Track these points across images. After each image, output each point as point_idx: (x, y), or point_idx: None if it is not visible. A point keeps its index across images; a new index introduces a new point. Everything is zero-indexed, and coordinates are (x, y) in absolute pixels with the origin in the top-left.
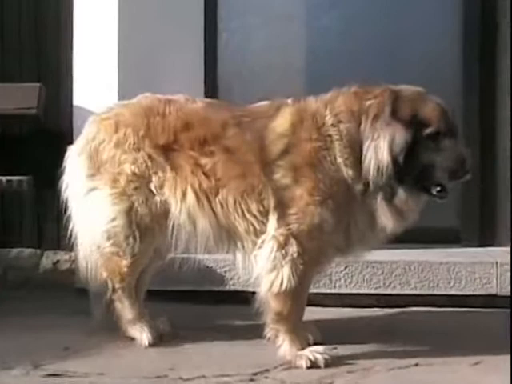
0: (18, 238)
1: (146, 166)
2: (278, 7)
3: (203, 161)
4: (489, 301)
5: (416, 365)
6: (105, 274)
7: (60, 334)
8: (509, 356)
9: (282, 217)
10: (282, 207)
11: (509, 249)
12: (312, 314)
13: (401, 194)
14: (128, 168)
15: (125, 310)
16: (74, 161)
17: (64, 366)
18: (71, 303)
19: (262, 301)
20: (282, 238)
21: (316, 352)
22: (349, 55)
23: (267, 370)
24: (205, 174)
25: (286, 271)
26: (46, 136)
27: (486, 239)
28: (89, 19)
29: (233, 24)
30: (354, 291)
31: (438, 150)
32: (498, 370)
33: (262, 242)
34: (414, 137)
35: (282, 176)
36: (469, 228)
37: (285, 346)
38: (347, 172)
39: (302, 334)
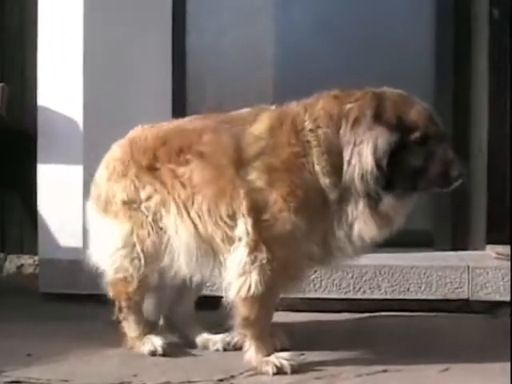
0: None
1: (135, 188)
2: (247, 4)
3: (181, 170)
4: (460, 305)
5: (384, 371)
6: (111, 294)
7: (23, 340)
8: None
9: (253, 222)
10: (254, 212)
11: (481, 252)
12: (280, 318)
13: (387, 200)
14: (120, 196)
15: (130, 327)
16: (89, 203)
17: (27, 372)
18: (35, 308)
19: (231, 305)
20: (252, 244)
21: (282, 358)
22: (320, 50)
23: (233, 377)
24: (182, 183)
25: (254, 277)
26: (10, 136)
27: (458, 243)
28: (53, 18)
29: (202, 22)
30: (324, 296)
31: (426, 155)
32: (466, 377)
33: (234, 248)
34: (400, 141)
35: (256, 178)
36: (441, 231)
37: (251, 352)
38: (324, 181)
39: (269, 340)
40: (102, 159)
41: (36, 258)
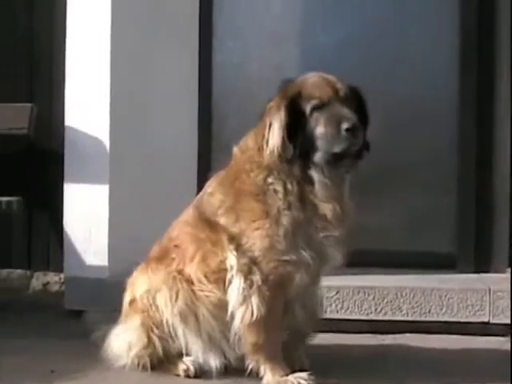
0: (8, 258)
1: None
2: (273, 26)
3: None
4: (481, 328)
5: None
6: None
7: (47, 357)
8: None
9: (237, 248)
10: (235, 240)
11: (504, 275)
12: None
13: (315, 177)
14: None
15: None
16: None
17: None
18: (60, 325)
19: (238, 334)
20: (245, 269)
21: (301, 378)
22: (345, 72)
23: None
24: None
25: (254, 301)
26: (37, 156)
27: (481, 265)
28: (82, 39)
29: (228, 43)
30: (345, 317)
31: (324, 119)
32: None
33: (230, 280)
34: (301, 114)
35: (225, 219)
36: (464, 254)
37: (267, 376)
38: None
39: (283, 361)
40: (128, 179)
41: (62, 275)
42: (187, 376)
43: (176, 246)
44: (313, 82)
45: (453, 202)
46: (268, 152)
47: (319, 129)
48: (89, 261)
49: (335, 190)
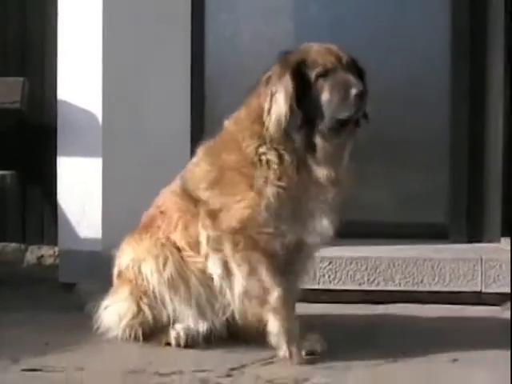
0: (2, 232)
1: None
2: (266, 1)
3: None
4: (473, 297)
5: (394, 361)
6: None
7: (42, 329)
8: (487, 352)
9: (213, 222)
10: (213, 215)
11: (496, 245)
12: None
13: (318, 143)
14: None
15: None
16: None
17: (43, 360)
18: (54, 298)
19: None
20: (215, 243)
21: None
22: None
23: (244, 366)
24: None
25: (235, 270)
26: (30, 131)
27: (474, 235)
28: (73, 12)
29: (220, 16)
30: (338, 287)
31: (329, 86)
32: (473, 368)
33: (206, 255)
34: (306, 81)
35: (208, 194)
36: (457, 224)
37: (275, 328)
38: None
39: (293, 314)
40: (121, 152)
41: (56, 248)
42: (178, 344)
43: (161, 212)
44: (316, 49)
45: (446, 175)
46: (273, 121)
47: (325, 95)
48: (83, 234)
49: (335, 156)
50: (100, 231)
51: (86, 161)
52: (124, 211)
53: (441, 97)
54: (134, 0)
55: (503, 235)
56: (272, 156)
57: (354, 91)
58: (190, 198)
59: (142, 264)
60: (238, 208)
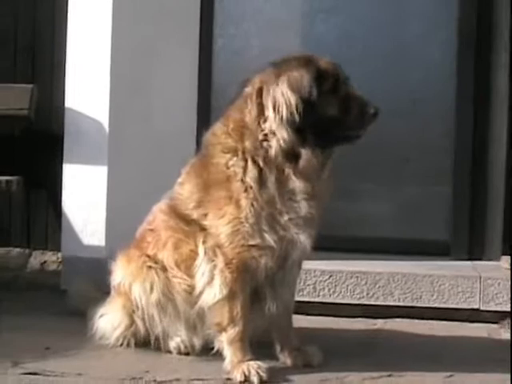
0: (7, 237)
1: None
2: (273, 13)
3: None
4: (471, 315)
5: (389, 375)
6: None
7: (43, 334)
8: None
9: (206, 238)
10: (205, 231)
11: (495, 263)
12: (294, 321)
13: (305, 155)
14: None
15: None
16: None
17: (43, 365)
18: (56, 304)
19: (205, 315)
20: (210, 253)
21: (255, 367)
22: (344, 62)
23: None
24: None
25: (216, 282)
26: (37, 137)
27: (474, 253)
28: (83, 21)
29: (229, 30)
30: (338, 301)
31: (340, 101)
32: (470, 383)
33: (198, 266)
34: (314, 91)
35: (193, 208)
36: (458, 241)
37: (228, 357)
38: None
39: (246, 346)
40: (126, 160)
41: (60, 254)
42: (179, 353)
43: (151, 230)
44: (324, 63)
45: (448, 191)
46: (283, 117)
47: (335, 110)
48: (86, 241)
49: (317, 170)
50: (103, 239)
51: (92, 168)
52: (128, 219)
53: (444, 112)
54: (142, 9)
55: (504, 254)
56: (238, 168)
57: (371, 110)
58: (181, 217)
59: (133, 286)
60: (222, 224)
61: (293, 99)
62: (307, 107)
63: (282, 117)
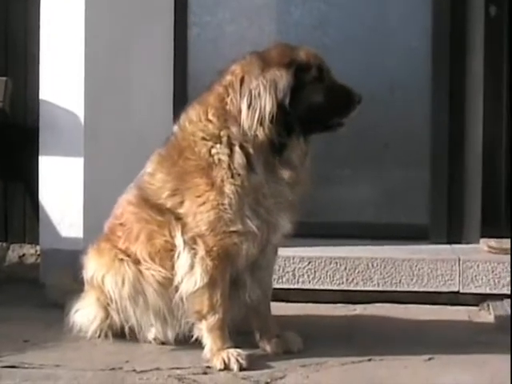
0: None
1: None
2: (248, 0)
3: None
4: (451, 298)
5: (369, 360)
6: None
7: (22, 327)
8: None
9: (184, 227)
10: (182, 220)
11: (474, 245)
12: (274, 309)
13: (289, 144)
14: None
15: None
16: None
17: (21, 357)
18: (35, 297)
19: (184, 303)
20: (190, 242)
21: (235, 354)
22: (321, 49)
23: None
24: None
25: (197, 270)
26: (13, 129)
27: (453, 236)
28: (56, 12)
29: (204, 18)
30: (317, 287)
31: (325, 90)
32: (448, 367)
33: (178, 256)
34: (297, 80)
35: (172, 202)
36: (437, 225)
37: (207, 345)
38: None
39: (226, 334)
40: (102, 152)
41: (38, 247)
42: (158, 343)
43: (121, 224)
44: (306, 51)
45: (426, 176)
46: (256, 117)
47: (321, 98)
48: (64, 233)
49: (301, 157)
50: (81, 230)
51: (68, 160)
52: (105, 211)
53: (421, 98)
54: (117, 1)
55: (482, 236)
56: (223, 156)
57: (356, 98)
58: (154, 207)
59: (104, 278)
60: (202, 211)
61: (268, 106)
62: (281, 111)
63: (255, 116)
